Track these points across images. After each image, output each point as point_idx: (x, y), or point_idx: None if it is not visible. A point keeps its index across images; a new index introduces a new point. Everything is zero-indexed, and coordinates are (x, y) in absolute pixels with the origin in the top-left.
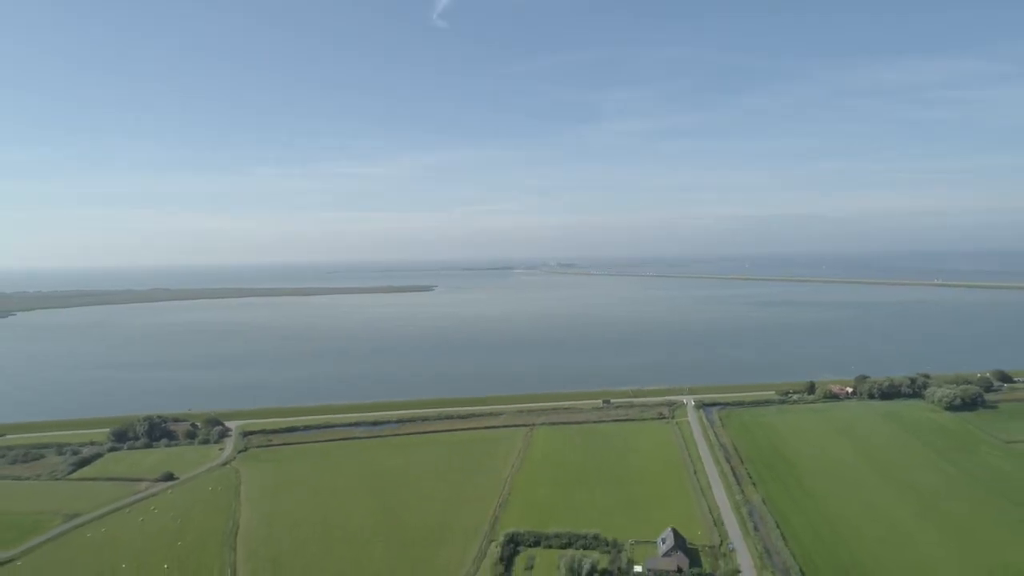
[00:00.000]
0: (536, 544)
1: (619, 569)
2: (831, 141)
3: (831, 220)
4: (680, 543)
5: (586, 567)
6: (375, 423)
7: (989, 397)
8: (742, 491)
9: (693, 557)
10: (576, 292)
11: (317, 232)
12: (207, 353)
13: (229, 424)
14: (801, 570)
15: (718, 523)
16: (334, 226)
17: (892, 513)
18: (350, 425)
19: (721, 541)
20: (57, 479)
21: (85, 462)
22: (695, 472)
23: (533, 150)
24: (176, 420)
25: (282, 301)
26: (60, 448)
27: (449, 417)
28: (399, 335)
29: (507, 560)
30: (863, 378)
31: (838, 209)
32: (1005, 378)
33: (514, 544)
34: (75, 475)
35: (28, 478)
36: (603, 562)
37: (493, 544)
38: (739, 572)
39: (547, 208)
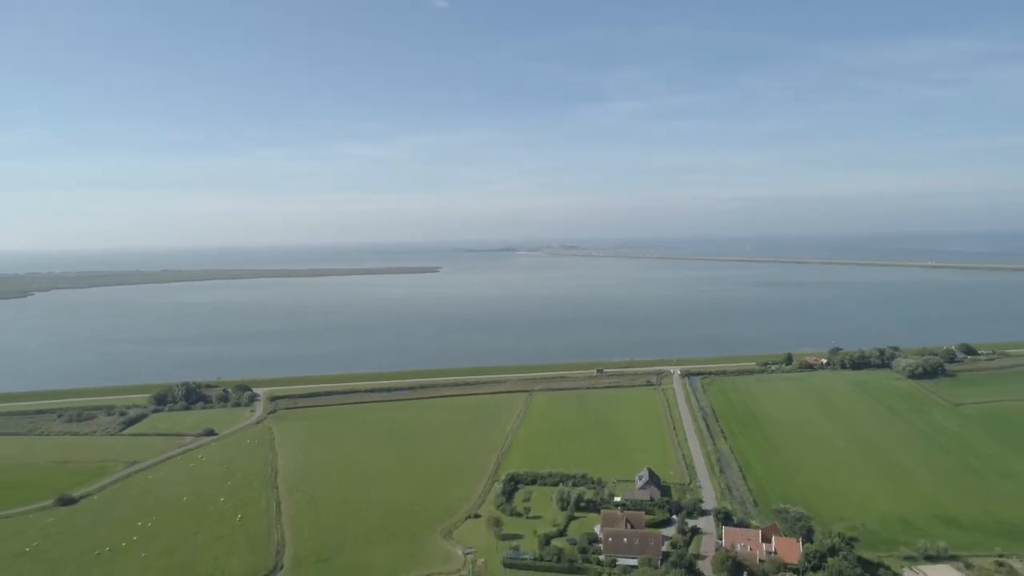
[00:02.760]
0: (533, 482)
1: (601, 499)
2: (833, 121)
3: (832, 201)
4: (654, 480)
5: (574, 497)
6: (389, 389)
7: (951, 367)
8: (714, 443)
9: (665, 491)
10: (577, 273)
11: (320, 214)
12: (226, 329)
13: (257, 390)
14: (754, 500)
15: (690, 467)
16: (337, 207)
17: (842, 459)
18: (367, 391)
19: (690, 480)
20: (111, 435)
21: (132, 421)
22: (674, 428)
23: (535, 131)
24: (209, 386)
25: (291, 282)
26: (108, 410)
27: (456, 384)
28: (408, 313)
29: (508, 494)
30: (836, 350)
31: (840, 190)
32: (970, 351)
33: (514, 482)
34: (126, 432)
35: (86, 434)
36: (588, 494)
37: (496, 483)
38: (701, 501)
39: (549, 189)
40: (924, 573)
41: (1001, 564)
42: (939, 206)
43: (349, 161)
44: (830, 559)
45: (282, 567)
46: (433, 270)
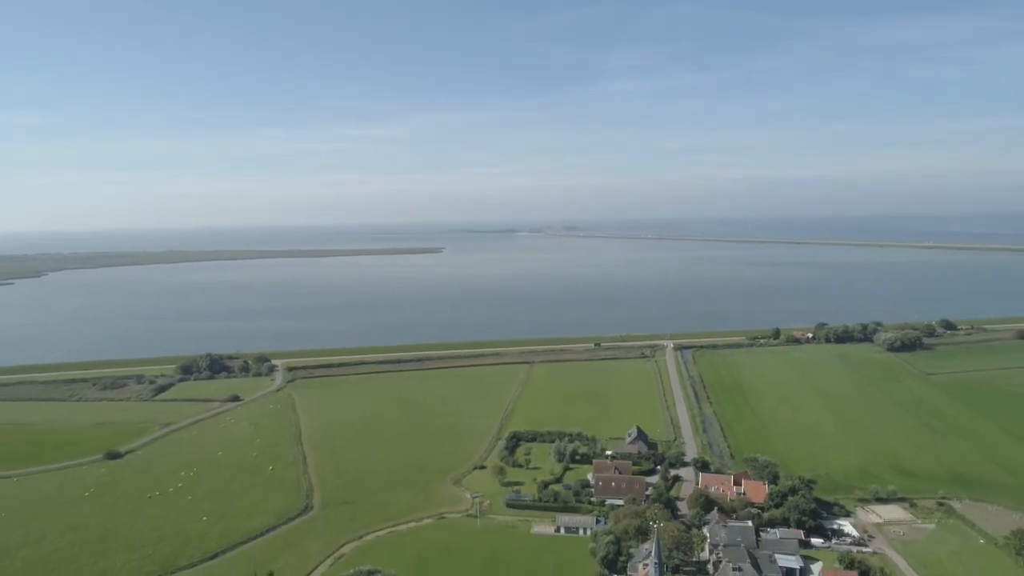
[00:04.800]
0: (533, 440)
1: (594, 453)
2: (838, 101)
3: (837, 182)
4: (642, 436)
5: (569, 451)
6: (398, 361)
7: (930, 341)
8: (699, 407)
9: (652, 446)
10: (579, 254)
11: (322, 195)
12: (237, 307)
13: (275, 362)
14: (731, 455)
15: (676, 427)
16: (339, 188)
17: (814, 420)
18: (377, 363)
19: (675, 437)
20: (144, 400)
21: (162, 389)
22: (664, 395)
23: (538, 111)
24: (230, 358)
25: (297, 262)
26: (139, 379)
27: (461, 356)
28: (413, 291)
29: (511, 449)
30: (821, 325)
31: (844, 171)
32: (949, 326)
33: (516, 439)
34: (158, 398)
35: (121, 400)
36: (583, 449)
37: (500, 440)
38: (684, 454)
39: (552, 170)
40: (874, 511)
41: (942, 504)
42: (944, 186)
43: (351, 141)
44: (790, 498)
45: (312, 508)
46: (436, 250)
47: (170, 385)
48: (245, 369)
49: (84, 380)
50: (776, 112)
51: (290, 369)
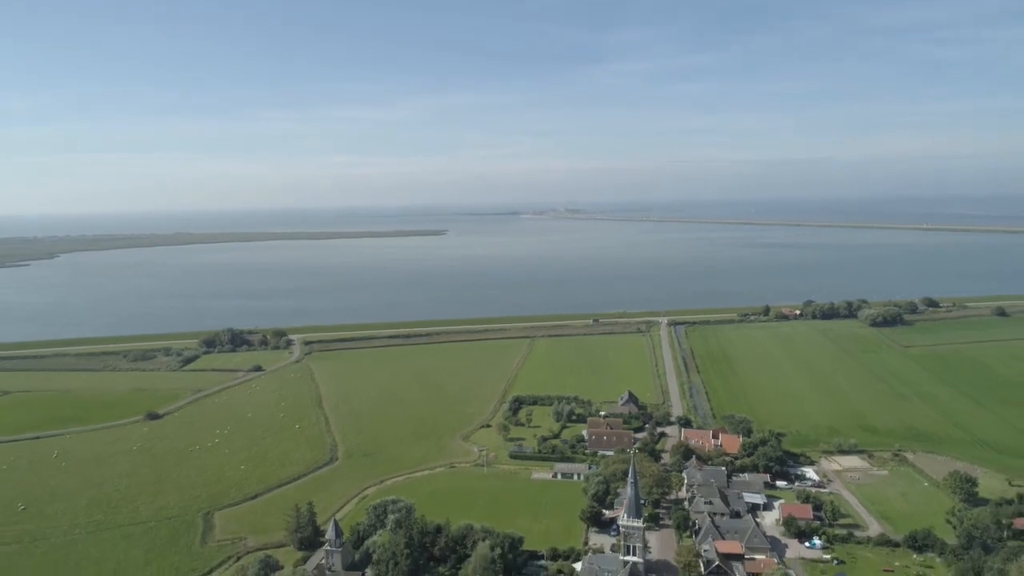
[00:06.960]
0: (534, 403)
1: (589, 414)
2: (844, 82)
3: (842, 164)
4: (633, 399)
5: (567, 412)
6: (408, 335)
7: (911, 317)
8: (688, 376)
9: (642, 408)
10: (581, 236)
11: (324, 177)
12: (250, 286)
13: (291, 336)
14: (713, 415)
15: (665, 392)
16: (341, 170)
17: (793, 386)
18: (388, 337)
19: (664, 400)
20: (173, 371)
21: (189, 360)
22: (656, 365)
23: (539, 93)
24: (250, 332)
25: (303, 244)
26: (166, 351)
27: (467, 331)
28: (420, 272)
29: (514, 411)
30: (809, 302)
31: (850, 153)
32: (932, 303)
33: (519, 402)
34: (186, 368)
35: (151, 370)
36: (579, 410)
37: (504, 404)
38: (670, 414)
39: (554, 152)
40: (835, 460)
41: (896, 455)
42: (948, 167)
43: (352, 123)
44: (760, 448)
45: (337, 459)
46: (440, 233)
47: (195, 357)
48: (264, 343)
49: (115, 352)
50: (778, 93)
51: (307, 343)
